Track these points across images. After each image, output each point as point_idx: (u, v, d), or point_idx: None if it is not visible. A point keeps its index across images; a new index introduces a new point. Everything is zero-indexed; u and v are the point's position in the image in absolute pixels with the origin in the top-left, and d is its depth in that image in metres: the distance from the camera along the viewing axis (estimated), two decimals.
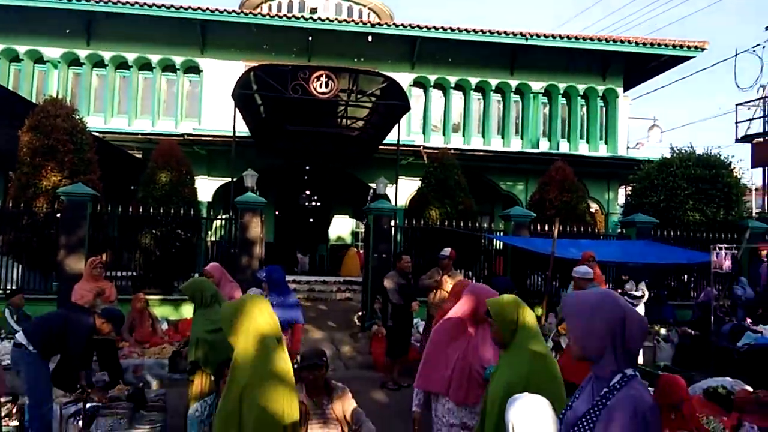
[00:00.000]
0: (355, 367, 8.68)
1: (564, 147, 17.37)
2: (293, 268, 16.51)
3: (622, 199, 17.61)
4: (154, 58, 16.23)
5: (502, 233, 11.29)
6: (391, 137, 13.37)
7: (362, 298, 10.95)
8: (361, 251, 14.63)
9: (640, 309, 7.77)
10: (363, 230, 15.17)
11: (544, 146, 17.38)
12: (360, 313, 10.71)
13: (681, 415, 4.40)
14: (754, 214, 13.42)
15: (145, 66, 16.44)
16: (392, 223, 10.51)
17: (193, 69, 16.56)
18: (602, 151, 17.50)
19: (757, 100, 16.65)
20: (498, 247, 11.35)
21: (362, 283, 11.37)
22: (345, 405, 3.74)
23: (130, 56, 16.14)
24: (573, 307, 1.93)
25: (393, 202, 12.55)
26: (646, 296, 9.07)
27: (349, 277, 14.90)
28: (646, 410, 1.73)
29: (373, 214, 10.40)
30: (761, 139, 16.26)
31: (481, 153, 15.86)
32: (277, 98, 11.26)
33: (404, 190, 14.26)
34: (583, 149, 17.42)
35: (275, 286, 5.53)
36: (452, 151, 12.95)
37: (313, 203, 18.93)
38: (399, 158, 13.32)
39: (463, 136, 17.28)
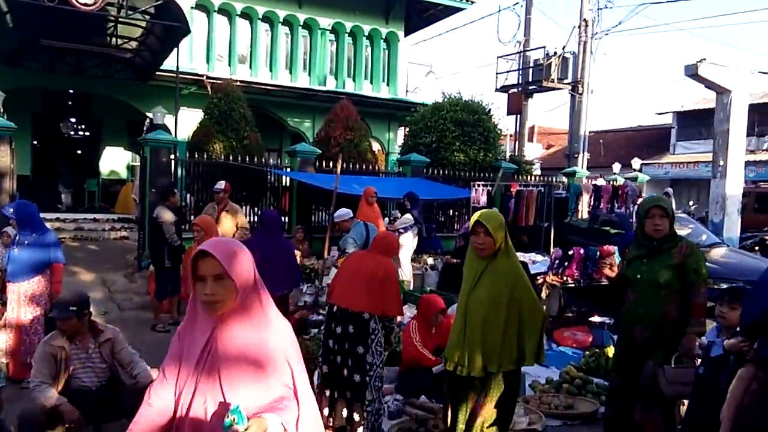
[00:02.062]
0: (132, 309, 8.20)
1: (350, 86, 17.81)
2: (56, 205, 14.72)
3: (401, 140, 18.82)
4: None
5: (288, 169, 11.35)
6: (170, 63, 12.38)
7: (139, 237, 10.26)
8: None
9: (408, 237, 8.43)
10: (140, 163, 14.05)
11: (331, 84, 17.63)
12: (137, 252, 10.05)
13: (440, 330, 5.01)
14: (507, 157, 15.38)
15: None
16: (172, 156, 9.90)
17: None
18: (384, 92, 18.33)
19: (514, 54, 18.80)
20: (285, 183, 11.42)
21: (139, 221, 10.63)
22: (114, 347, 3.68)
23: None
24: None
25: (174, 135, 11.77)
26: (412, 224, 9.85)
27: (125, 214, 13.79)
28: None
29: (150, 145, 9.65)
30: (515, 90, 18.52)
31: (269, 87, 15.54)
32: (29, 5, 9.62)
33: (186, 121, 13.42)
34: (367, 89, 18.06)
35: (26, 224, 4.97)
36: (238, 83, 12.48)
37: (80, 133, 16.86)
38: (179, 87, 12.44)
39: (250, 68, 16.69)
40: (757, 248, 10.91)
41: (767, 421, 2.33)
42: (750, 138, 19.11)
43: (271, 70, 16.93)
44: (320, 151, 11.14)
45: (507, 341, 3.22)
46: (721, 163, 10.88)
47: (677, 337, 3.53)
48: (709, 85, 10.93)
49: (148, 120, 13.77)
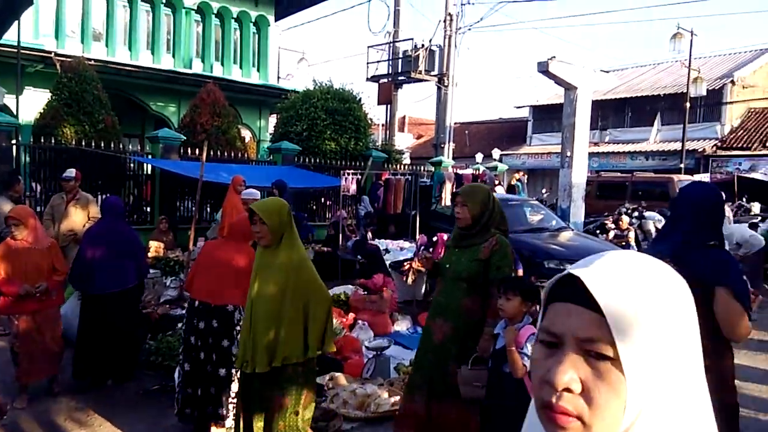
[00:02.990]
0: None
1: (218, 70, 17.15)
2: None
3: (273, 128, 18.49)
4: None
5: (150, 156, 10.75)
6: (12, 38, 11.16)
7: None
8: None
9: None
10: None
11: (198, 67, 16.87)
12: None
13: None
14: (378, 146, 15.69)
15: None
16: (13, 140, 8.98)
17: None
18: (255, 78, 17.88)
19: (384, 44, 19.14)
20: (147, 172, 10.81)
21: None
22: None
23: None
24: None
25: (16, 117, 10.67)
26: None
27: None
28: None
29: None
30: (385, 80, 18.88)
31: (128, 68, 14.52)
32: None
33: (31, 103, 12.19)
34: (236, 74, 17.50)
35: None
36: (92, 62, 11.57)
37: None
38: (21, 64, 11.26)
39: (107, 46, 15.49)
40: (598, 231, 12.09)
41: None
42: (594, 131, 21.14)
43: (130, 50, 15.85)
44: (185, 138, 10.67)
45: (292, 334, 3.14)
46: (568, 153, 11.89)
47: (476, 335, 3.35)
48: (558, 81, 11.86)
49: None
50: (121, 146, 10.33)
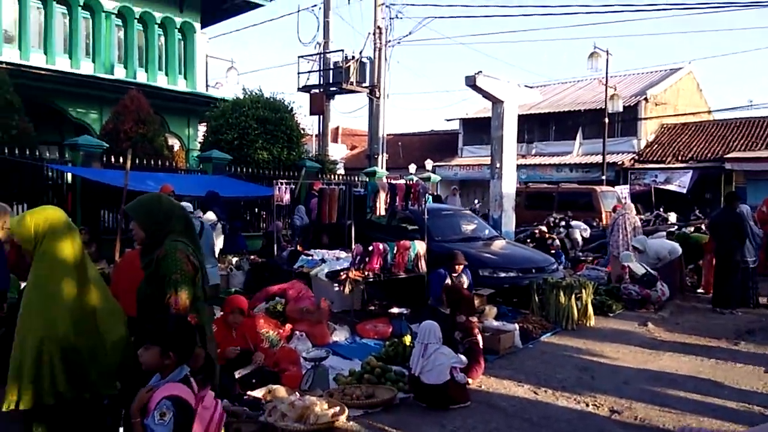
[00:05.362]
0: None
1: (142, 77, 16.48)
2: None
3: (203, 137, 17.96)
4: None
5: (70, 164, 10.17)
6: None
7: None
8: None
9: (219, 237, 8.17)
10: None
11: (120, 73, 16.14)
12: None
13: (241, 331, 4.89)
14: (312, 156, 15.57)
15: None
16: None
17: None
18: (182, 85, 17.32)
19: (315, 54, 19.08)
20: (67, 180, 10.21)
21: None
22: None
23: None
24: None
25: None
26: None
27: None
28: None
29: None
30: (317, 91, 18.81)
31: (44, 72, 13.71)
32: None
33: None
34: (162, 82, 16.89)
35: None
36: (3, 65, 10.85)
37: None
38: None
39: (20, 49, 14.56)
40: (528, 240, 12.45)
41: None
42: (521, 144, 21.86)
43: (46, 53, 14.97)
44: (108, 146, 10.17)
45: None
46: (498, 165, 12.20)
47: None
48: (486, 95, 12.16)
49: None
50: (37, 153, 9.72)
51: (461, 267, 7.19)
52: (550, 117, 25.06)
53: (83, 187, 9.90)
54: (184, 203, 6.65)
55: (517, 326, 6.70)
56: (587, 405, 4.76)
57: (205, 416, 2.56)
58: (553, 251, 11.12)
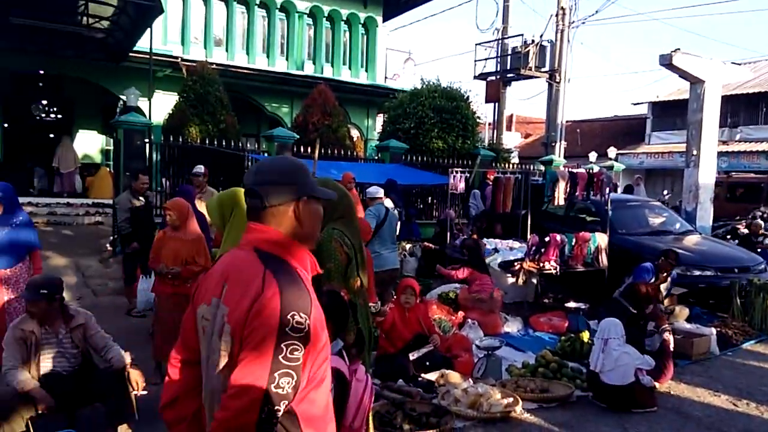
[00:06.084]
0: (107, 294, 8.07)
1: (328, 71, 17.65)
2: (29, 189, 14.36)
3: (380, 126, 18.72)
4: None
5: (266, 154, 11.23)
6: (144, 45, 12.10)
7: (113, 222, 10.06)
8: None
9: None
10: (113, 147, 13.78)
11: (309, 69, 17.45)
12: (112, 238, 9.86)
13: (415, 314, 5.04)
14: (486, 145, 15.41)
15: None
16: (146, 139, 9.72)
17: None
18: (363, 78, 18.21)
19: (492, 41, 18.79)
20: None
21: (113, 206, 10.42)
22: (87, 332, 3.65)
23: None
24: None
25: (148, 118, 11.55)
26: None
27: (100, 199, 13.50)
28: None
29: (123, 128, 9.48)
30: (493, 78, 18.53)
31: (246, 71, 15.31)
32: None
33: (161, 105, 13.16)
34: (345, 75, 17.92)
35: (13, 205, 4.77)
36: (214, 66, 12.28)
37: (52, 115, 16.44)
38: (153, 69, 12.17)
39: (227, 51, 16.42)
40: (729, 236, 11.11)
41: None
42: (723, 129, 19.48)
43: (247, 54, 16.70)
44: (298, 137, 11.04)
45: None
46: (694, 152, 11.04)
47: None
48: (683, 74, 11.05)
49: (121, 102, 13.48)
50: (240, 145, 10.87)
51: (671, 269, 6.49)
52: (761, 97, 21.95)
53: None
54: (373, 188, 7.01)
55: (713, 330, 6.05)
56: None
57: (358, 388, 2.70)
58: (760, 249, 9.79)
